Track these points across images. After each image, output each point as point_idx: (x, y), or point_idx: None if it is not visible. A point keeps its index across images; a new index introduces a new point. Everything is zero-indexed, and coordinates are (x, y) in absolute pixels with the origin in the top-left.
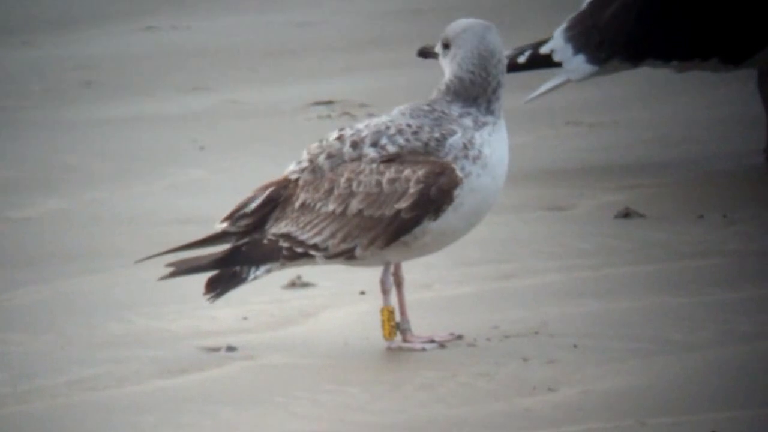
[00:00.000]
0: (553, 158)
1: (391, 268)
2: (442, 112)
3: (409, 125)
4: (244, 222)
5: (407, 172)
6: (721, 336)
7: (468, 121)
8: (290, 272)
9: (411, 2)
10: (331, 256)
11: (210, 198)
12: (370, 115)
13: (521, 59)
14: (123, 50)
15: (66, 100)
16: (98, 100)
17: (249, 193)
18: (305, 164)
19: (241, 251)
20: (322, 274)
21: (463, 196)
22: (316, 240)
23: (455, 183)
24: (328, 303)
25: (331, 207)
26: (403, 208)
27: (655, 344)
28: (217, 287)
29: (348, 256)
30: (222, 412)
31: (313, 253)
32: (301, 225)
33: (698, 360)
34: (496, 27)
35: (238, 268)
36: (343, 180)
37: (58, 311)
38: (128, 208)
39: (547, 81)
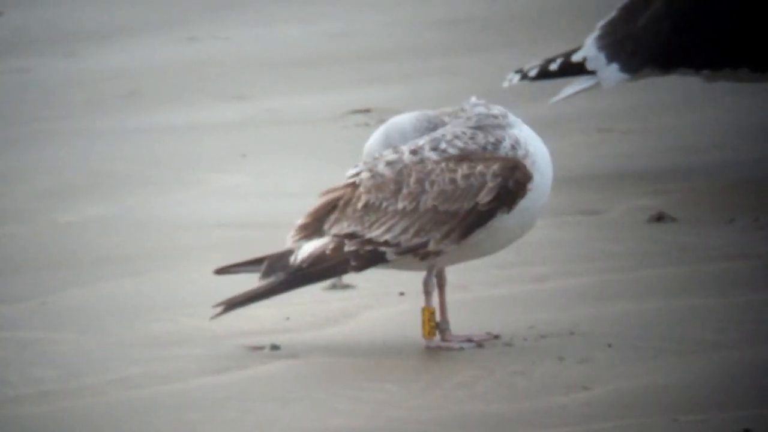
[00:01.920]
0: (586, 164)
1: (435, 271)
2: (476, 114)
3: (464, 132)
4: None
5: (480, 167)
6: (751, 336)
7: (495, 111)
8: None
9: (446, 12)
10: (404, 251)
11: (251, 203)
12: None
13: (553, 66)
14: (164, 61)
15: (108, 110)
16: (140, 109)
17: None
18: (363, 170)
19: (303, 271)
20: (363, 275)
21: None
22: (387, 236)
23: (528, 177)
24: (368, 303)
25: (400, 205)
26: (482, 202)
27: (687, 344)
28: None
29: (422, 252)
30: (265, 408)
31: (383, 249)
32: (367, 224)
33: (729, 359)
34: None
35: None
36: (412, 180)
37: (103, 312)
38: (172, 213)
39: (574, 83)
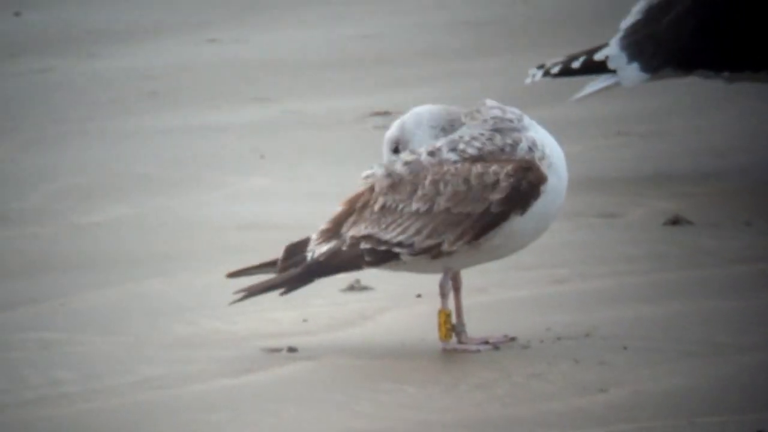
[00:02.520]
0: (604, 167)
1: (451, 273)
2: (492, 117)
3: (482, 134)
4: (322, 230)
5: (495, 167)
6: (767, 338)
7: (510, 115)
8: (349, 276)
9: (468, 15)
10: (417, 253)
11: (271, 205)
12: None
13: (575, 64)
14: (186, 62)
15: (131, 110)
16: (162, 110)
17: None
18: (380, 171)
19: (319, 263)
20: (381, 277)
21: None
22: (401, 238)
23: (542, 179)
24: (385, 306)
25: (415, 206)
26: (494, 201)
27: (703, 346)
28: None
29: (434, 252)
30: (284, 410)
31: (397, 250)
32: (383, 226)
33: (745, 361)
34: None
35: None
36: (427, 181)
37: (125, 313)
38: (192, 214)
39: (594, 81)
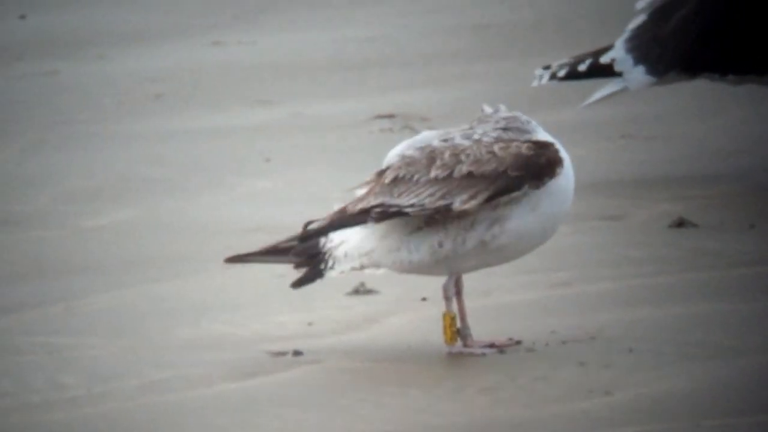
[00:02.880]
0: (609, 170)
1: (454, 277)
2: (502, 118)
3: (494, 129)
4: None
5: (516, 143)
6: None
7: (521, 119)
8: (354, 280)
9: (473, 18)
10: (426, 210)
11: (276, 208)
12: (431, 129)
13: (582, 67)
14: (192, 64)
15: (137, 113)
16: (168, 112)
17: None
18: (393, 159)
19: (323, 225)
20: (386, 281)
21: (540, 196)
22: (413, 200)
23: (558, 160)
24: (391, 309)
25: (433, 174)
26: (511, 165)
27: (708, 349)
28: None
29: (445, 211)
30: (289, 414)
31: (408, 210)
32: (396, 195)
33: (751, 364)
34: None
35: (320, 265)
36: (447, 155)
37: (130, 317)
38: (197, 217)
39: (603, 88)
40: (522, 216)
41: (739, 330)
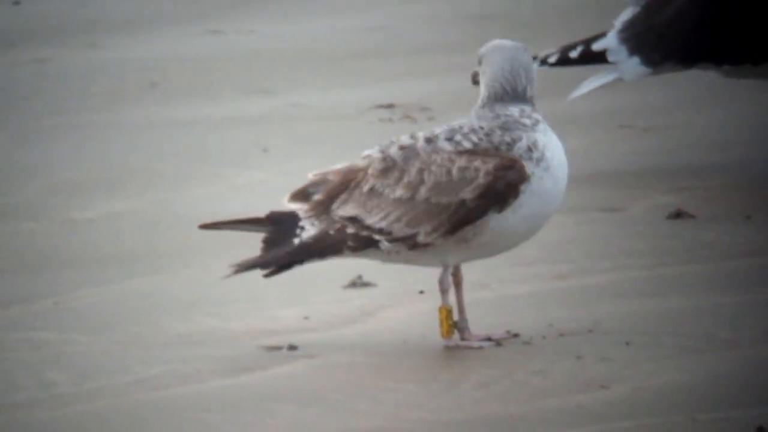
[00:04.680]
0: (607, 161)
1: (450, 269)
2: (505, 114)
3: (481, 127)
4: (313, 202)
5: (477, 162)
6: None
7: (526, 121)
8: (351, 272)
9: (473, 8)
10: (394, 240)
11: (272, 200)
12: (431, 119)
13: (573, 54)
14: (187, 53)
15: (130, 102)
16: (162, 102)
17: (320, 171)
18: (377, 154)
19: (307, 246)
20: (383, 274)
21: (524, 197)
22: (383, 224)
23: (523, 178)
24: (387, 302)
25: (398, 193)
26: (468, 198)
27: (706, 342)
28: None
29: (411, 243)
30: (284, 409)
31: (377, 237)
32: (368, 209)
33: (747, 357)
34: (527, 45)
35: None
36: (414, 169)
37: (120, 311)
38: (191, 209)
39: (593, 77)
40: (504, 217)
41: (736, 322)
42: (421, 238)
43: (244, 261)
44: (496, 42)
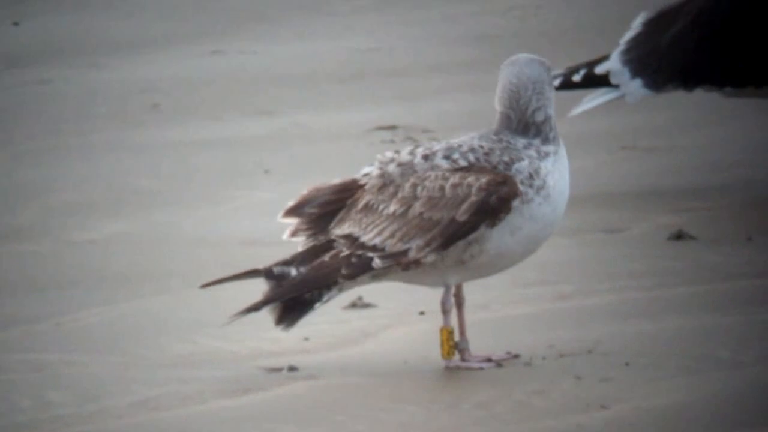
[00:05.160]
0: (609, 182)
1: (452, 290)
2: (508, 142)
3: (481, 146)
4: (311, 216)
5: (470, 179)
6: None
7: (532, 152)
8: (351, 293)
9: (476, 29)
10: (387, 256)
11: (275, 220)
12: (433, 140)
13: (576, 77)
14: (190, 74)
15: (132, 123)
16: (164, 123)
17: (314, 186)
18: (375, 171)
19: (304, 277)
20: (383, 294)
21: (522, 221)
22: (377, 240)
23: (515, 194)
24: (388, 323)
25: (392, 208)
26: (461, 213)
27: (706, 362)
28: (288, 316)
29: (403, 259)
30: (284, 430)
31: (371, 254)
32: (363, 226)
33: (747, 377)
34: (546, 59)
35: (307, 296)
36: (408, 185)
37: (122, 332)
38: (194, 230)
39: (595, 94)
40: (501, 238)
41: (737, 343)
42: (412, 254)
43: (250, 306)
44: (515, 56)
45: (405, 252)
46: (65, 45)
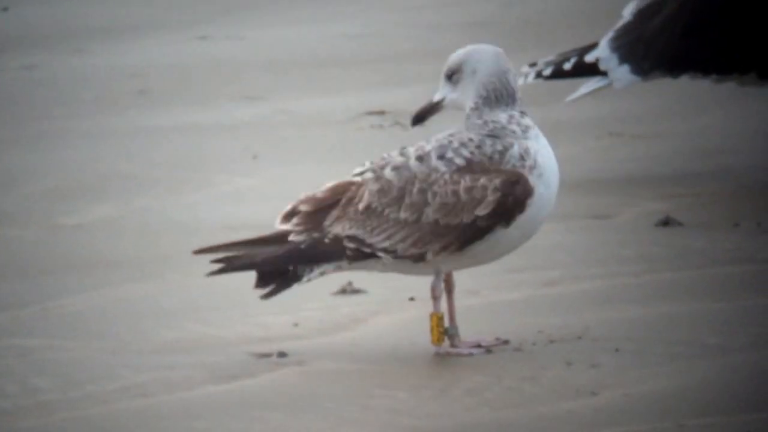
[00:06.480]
0: (597, 168)
1: (442, 276)
2: (492, 121)
3: (471, 139)
4: (303, 214)
5: (483, 180)
6: (756, 339)
7: (515, 127)
8: (341, 279)
9: (463, 15)
10: (399, 257)
11: (262, 206)
12: (422, 126)
13: (567, 66)
14: (176, 59)
15: (118, 109)
16: (150, 108)
17: (311, 191)
18: (369, 172)
19: (300, 249)
20: (373, 280)
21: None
22: (386, 244)
23: (529, 193)
24: (377, 309)
25: (403, 215)
26: (480, 216)
27: (694, 348)
28: (269, 284)
29: (417, 258)
30: (272, 417)
31: (381, 255)
32: (369, 229)
33: (735, 363)
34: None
35: (291, 268)
36: (415, 190)
37: (108, 318)
38: (180, 215)
39: (587, 82)
40: (497, 229)
41: (725, 328)
42: (429, 257)
43: (234, 259)
44: (475, 47)
45: (421, 255)
46: (52, 31)
